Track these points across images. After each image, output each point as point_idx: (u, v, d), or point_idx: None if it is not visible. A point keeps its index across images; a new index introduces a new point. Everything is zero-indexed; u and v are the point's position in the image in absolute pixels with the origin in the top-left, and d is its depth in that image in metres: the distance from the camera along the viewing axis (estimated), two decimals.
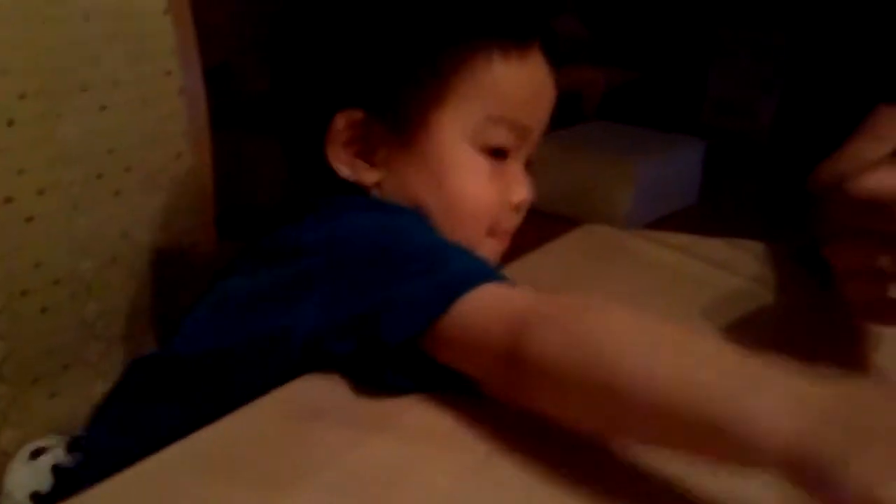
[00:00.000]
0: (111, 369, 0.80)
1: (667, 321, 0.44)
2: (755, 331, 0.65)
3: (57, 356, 0.75)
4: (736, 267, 0.77)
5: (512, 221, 0.65)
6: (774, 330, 0.67)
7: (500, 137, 0.61)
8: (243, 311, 0.57)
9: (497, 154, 0.62)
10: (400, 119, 0.59)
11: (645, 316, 0.44)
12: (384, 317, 0.49)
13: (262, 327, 0.54)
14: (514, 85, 0.60)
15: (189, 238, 0.87)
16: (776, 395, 0.37)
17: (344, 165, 0.60)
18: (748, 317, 0.68)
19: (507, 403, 0.47)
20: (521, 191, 0.64)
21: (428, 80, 0.59)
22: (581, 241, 0.82)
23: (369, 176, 0.61)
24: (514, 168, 0.64)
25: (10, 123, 0.69)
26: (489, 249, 0.64)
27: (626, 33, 3.73)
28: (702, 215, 2.72)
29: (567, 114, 3.34)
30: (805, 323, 0.68)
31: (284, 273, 0.55)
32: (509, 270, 0.72)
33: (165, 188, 0.83)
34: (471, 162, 0.60)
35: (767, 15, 3.26)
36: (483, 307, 0.48)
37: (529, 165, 0.67)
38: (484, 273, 0.51)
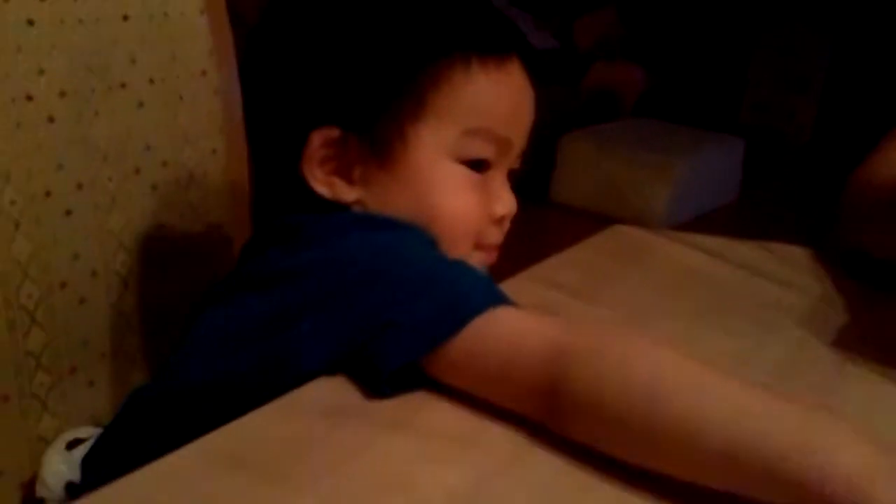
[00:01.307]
0: (148, 361, 0.82)
1: (704, 362, 0.45)
2: (768, 339, 0.65)
3: (94, 347, 0.77)
4: (766, 271, 0.77)
5: (496, 235, 0.64)
6: (798, 336, 0.66)
7: (481, 150, 0.60)
8: (235, 342, 0.56)
9: (478, 166, 0.61)
10: (378, 136, 0.58)
11: (681, 353, 0.45)
12: (383, 341, 0.48)
13: (256, 359, 0.54)
14: (494, 97, 0.60)
15: (224, 233, 0.89)
16: (835, 434, 0.39)
17: (321, 184, 0.59)
18: (774, 322, 0.68)
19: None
20: (504, 203, 0.63)
21: (406, 96, 0.58)
22: (608, 242, 0.82)
23: (347, 194, 0.59)
24: (497, 180, 0.63)
25: (51, 120, 0.71)
26: (476, 263, 0.62)
27: (664, 31, 3.70)
28: (739, 215, 2.69)
29: (604, 111, 3.32)
30: (836, 327, 0.67)
31: (276, 300, 0.54)
32: (533, 272, 0.74)
33: (201, 184, 0.85)
34: (452, 176, 0.60)
35: (807, 15, 3.20)
36: (506, 334, 0.48)
37: (511, 177, 0.65)
38: (494, 295, 0.50)
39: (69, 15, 0.73)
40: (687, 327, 0.66)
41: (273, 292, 0.54)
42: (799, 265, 0.78)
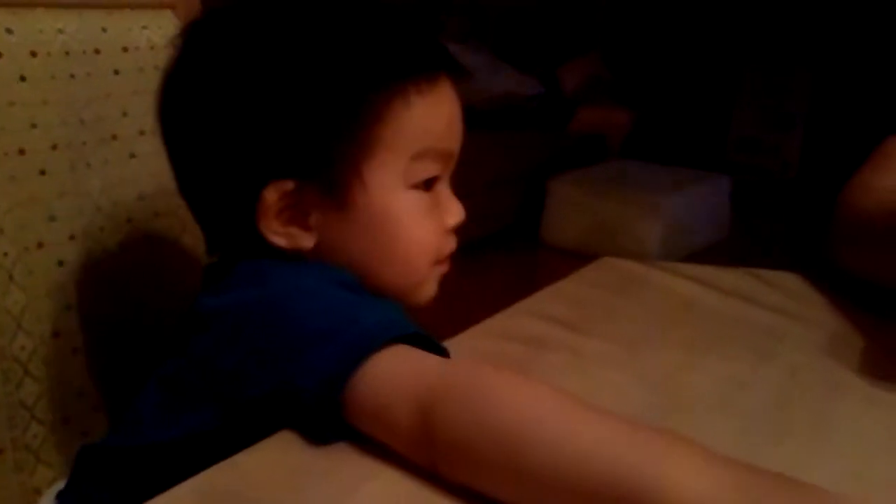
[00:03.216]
0: None
1: (569, 394, 0.46)
2: (762, 363, 0.65)
3: (87, 397, 0.77)
4: (758, 299, 0.77)
5: (452, 245, 0.65)
6: (792, 361, 0.66)
7: (429, 170, 0.61)
8: (173, 398, 0.57)
9: (426, 185, 0.62)
10: (332, 180, 0.58)
11: (549, 388, 0.46)
12: (297, 384, 0.49)
13: (190, 418, 0.55)
14: (433, 117, 0.61)
15: None
16: (686, 469, 0.40)
17: (278, 236, 0.59)
18: (768, 348, 0.68)
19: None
20: (454, 214, 0.64)
21: (353, 136, 0.58)
22: (599, 274, 0.82)
23: (305, 241, 0.59)
24: (443, 193, 0.64)
25: (43, 173, 0.72)
26: (435, 278, 0.64)
27: (649, 74, 3.76)
28: (731, 251, 2.71)
29: (591, 153, 3.36)
30: (829, 352, 0.67)
31: (199, 347, 0.55)
32: (525, 305, 0.74)
33: (194, 232, 0.85)
34: (410, 205, 0.60)
35: (790, 53, 3.26)
36: (391, 376, 0.48)
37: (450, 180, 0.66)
38: (391, 329, 0.50)
39: (61, 70, 0.74)
40: (682, 356, 0.67)
41: (200, 337, 0.56)
42: (789, 291, 0.79)
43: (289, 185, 0.57)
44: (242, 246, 0.60)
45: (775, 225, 2.82)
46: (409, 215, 0.60)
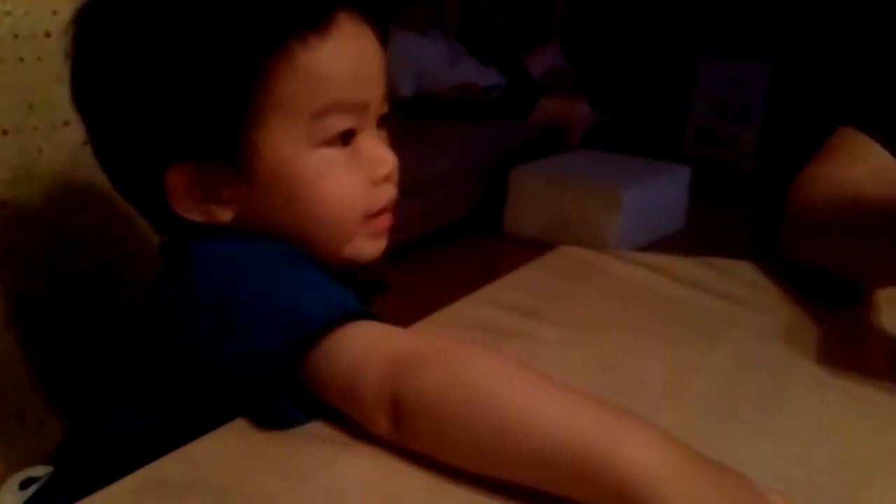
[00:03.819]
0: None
1: (532, 368, 0.47)
2: (712, 348, 0.67)
3: (41, 389, 0.76)
4: (709, 285, 0.78)
5: (386, 195, 0.62)
6: (741, 345, 0.68)
7: (338, 124, 0.57)
8: (141, 388, 0.58)
9: (344, 138, 0.58)
10: (230, 155, 0.56)
11: (516, 362, 0.48)
12: (247, 364, 0.50)
13: (156, 409, 0.56)
14: (329, 68, 0.56)
15: None
16: (635, 442, 0.42)
17: (193, 213, 0.58)
18: (717, 333, 0.69)
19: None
20: (384, 163, 0.61)
21: (241, 107, 0.55)
22: (554, 262, 0.83)
23: (223, 215, 0.58)
24: (368, 142, 0.60)
25: None
26: (371, 233, 0.62)
27: (607, 65, 3.78)
28: (687, 241, 2.74)
29: (552, 144, 3.37)
30: (777, 336, 0.69)
31: (161, 336, 0.55)
32: (483, 293, 0.75)
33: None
34: (319, 163, 0.57)
35: (747, 44, 3.30)
36: (355, 349, 0.49)
37: (383, 126, 0.63)
38: (343, 309, 0.51)
39: (9, 53, 0.72)
40: (634, 340, 0.68)
41: (156, 326, 0.56)
42: (741, 278, 0.80)
43: (187, 166, 0.56)
44: (179, 224, 0.59)
45: (732, 215, 2.86)
46: (321, 174, 0.57)
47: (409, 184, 2.54)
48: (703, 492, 0.41)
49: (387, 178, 0.61)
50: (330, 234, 0.59)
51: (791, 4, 3.30)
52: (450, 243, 2.74)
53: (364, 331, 0.50)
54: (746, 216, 2.27)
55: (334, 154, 0.58)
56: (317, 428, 0.50)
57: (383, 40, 0.61)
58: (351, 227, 0.60)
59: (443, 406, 0.45)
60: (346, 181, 0.58)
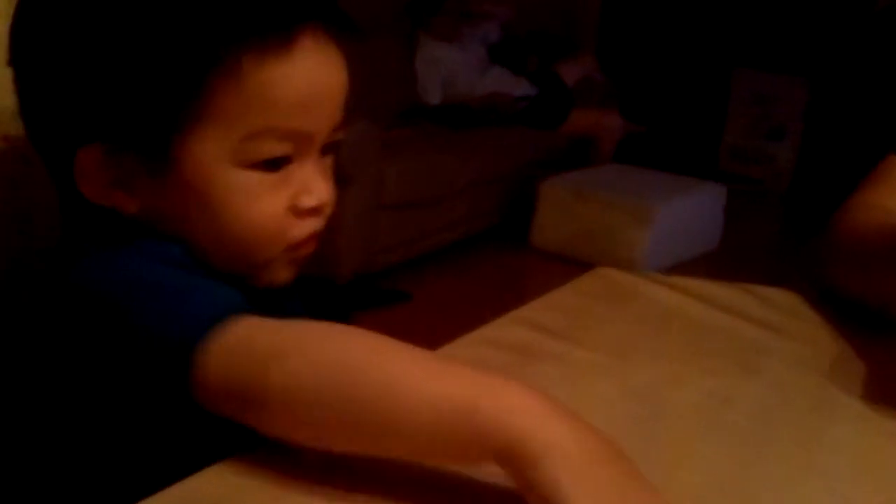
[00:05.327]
0: None
1: (402, 343, 0.47)
2: (749, 379, 0.65)
3: None
4: (748, 313, 0.77)
5: (310, 227, 0.58)
6: (779, 377, 0.66)
7: (271, 150, 0.55)
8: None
9: (276, 164, 0.55)
10: (149, 149, 0.54)
11: (383, 337, 0.47)
12: (132, 381, 0.50)
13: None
14: (274, 92, 0.53)
15: None
16: (511, 396, 0.44)
17: (99, 197, 0.56)
18: (755, 363, 0.68)
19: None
20: (313, 195, 0.57)
21: (168, 108, 0.53)
22: (591, 284, 0.82)
23: (128, 205, 0.56)
24: (303, 171, 0.57)
25: None
26: (289, 260, 0.59)
27: (641, 77, 3.76)
28: (721, 261, 2.71)
29: (583, 156, 3.34)
30: (817, 369, 0.67)
31: (51, 343, 0.56)
32: (518, 314, 0.74)
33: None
34: (239, 184, 0.54)
35: (785, 61, 3.26)
36: (227, 352, 0.48)
37: (329, 154, 0.60)
38: (218, 315, 0.49)
39: None
40: (668, 367, 0.67)
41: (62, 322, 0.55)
42: (780, 307, 0.79)
43: (101, 148, 0.54)
44: (80, 210, 0.57)
45: (767, 236, 2.82)
46: (239, 195, 0.55)
47: (435, 192, 2.57)
48: (592, 447, 0.43)
49: (313, 211, 0.58)
50: (239, 254, 0.57)
51: (830, 21, 3.26)
52: (475, 254, 2.73)
53: (234, 333, 0.48)
54: (782, 238, 2.24)
55: (258, 178, 0.55)
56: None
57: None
58: (267, 254, 0.58)
59: (311, 388, 0.45)
60: (265, 207, 0.56)
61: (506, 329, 0.70)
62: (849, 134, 2.56)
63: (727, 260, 2.64)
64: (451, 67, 3.17)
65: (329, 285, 2.29)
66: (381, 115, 2.57)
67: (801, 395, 0.64)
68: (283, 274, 0.60)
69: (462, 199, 2.78)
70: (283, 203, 0.56)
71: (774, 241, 2.74)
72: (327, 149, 0.59)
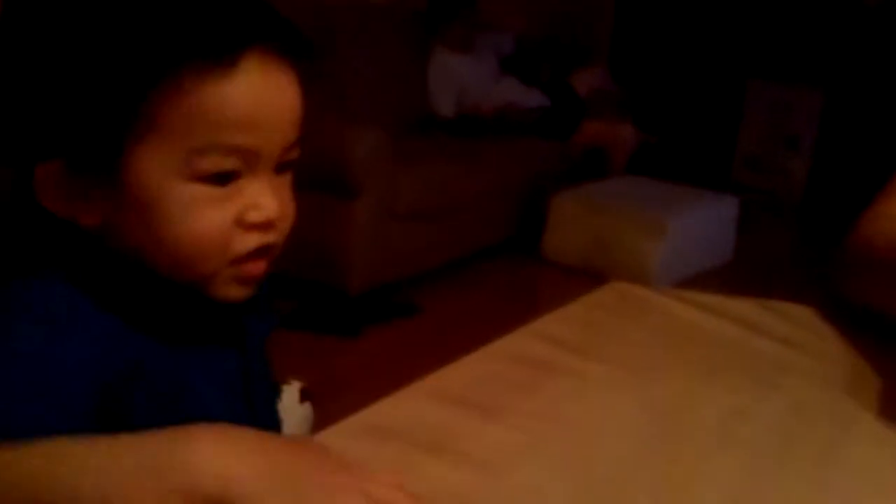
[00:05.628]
0: None
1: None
2: (767, 396, 0.65)
3: None
4: (765, 328, 0.76)
5: (250, 242, 0.58)
6: (797, 393, 0.66)
7: (217, 165, 0.56)
8: None
9: (223, 178, 0.56)
10: (101, 165, 0.56)
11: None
12: None
13: None
14: (218, 109, 0.55)
15: None
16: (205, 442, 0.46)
17: (61, 209, 0.57)
18: (773, 379, 0.67)
19: None
20: (261, 211, 0.58)
21: (115, 124, 0.55)
22: (607, 298, 0.82)
23: (88, 217, 0.58)
24: (253, 188, 0.57)
25: None
26: (237, 277, 0.59)
27: (654, 88, 3.75)
28: (736, 273, 2.69)
29: (595, 168, 3.34)
30: (835, 384, 0.67)
31: None
32: (533, 328, 0.73)
33: None
34: (186, 197, 0.56)
35: (799, 71, 3.25)
36: None
37: (286, 172, 0.60)
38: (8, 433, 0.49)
39: None
40: (685, 383, 0.66)
41: None
42: (797, 322, 0.78)
43: (57, 164, 0.56)
44: (38, 216, 0.58)
45: (781, 248, 2.80)
46: (184, 207, 0.56)
47: (447, 203, 2.55)
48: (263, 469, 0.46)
49: (259, 226, 0.58)
50: (184, 266, 0.58)
51: (844, 32, 3.25)
52: (486, 266, 2.72)
53: None
54: (796, 249, 2.23)
55: (205, 191, 0.56)
56: None
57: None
58: (210, 266, 0.58)
59: None
60: (209, 219, 0.56)
61: (521, 343, 0.70)
62: (863, 144, 2.54)
63: (741, 272, 2.63)
64: (464, 78, 3.18)
65: (340, 297, 2.29)
66: (394, 126, 2.57)
67: (819, 413, 0.63)
68: (231, 291, 0.59)
69: (474, 210, 2.78)
70: (229, 216, 0.57)
71: (789, 253, 2.73)
72: (283, 167, 0.59)
